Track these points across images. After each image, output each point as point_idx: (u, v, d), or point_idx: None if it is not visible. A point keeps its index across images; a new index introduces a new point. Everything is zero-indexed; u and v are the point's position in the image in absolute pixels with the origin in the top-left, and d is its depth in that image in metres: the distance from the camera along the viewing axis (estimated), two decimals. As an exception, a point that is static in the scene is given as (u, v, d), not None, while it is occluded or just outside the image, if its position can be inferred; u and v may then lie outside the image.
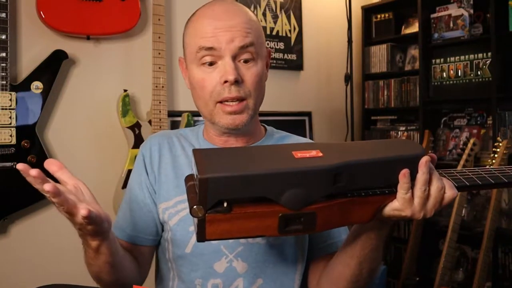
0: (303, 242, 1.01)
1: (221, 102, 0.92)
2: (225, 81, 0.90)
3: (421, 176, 0.69)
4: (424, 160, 0.69)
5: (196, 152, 0.67)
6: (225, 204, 0.64)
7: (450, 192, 0.72)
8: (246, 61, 0.93)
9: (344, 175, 0.66)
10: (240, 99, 0.92)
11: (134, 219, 1.01)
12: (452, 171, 0.77)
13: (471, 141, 2.43)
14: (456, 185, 0.74)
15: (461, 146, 2.68)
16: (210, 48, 0.91)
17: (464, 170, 0.78)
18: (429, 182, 0.70)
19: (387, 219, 0.75)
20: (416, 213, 0.71)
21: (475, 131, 2.79)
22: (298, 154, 0.67)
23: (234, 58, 0.91)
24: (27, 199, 2.01)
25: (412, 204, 0.70)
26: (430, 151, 2.76)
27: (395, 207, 0.71)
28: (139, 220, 1.01)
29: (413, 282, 2.66)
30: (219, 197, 0.63)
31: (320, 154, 0.67)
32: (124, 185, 2.16)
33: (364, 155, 0.68)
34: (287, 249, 0.99)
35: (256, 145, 1.03)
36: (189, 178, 0.69)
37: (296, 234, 0.68)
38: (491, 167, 0.80)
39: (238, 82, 0.91)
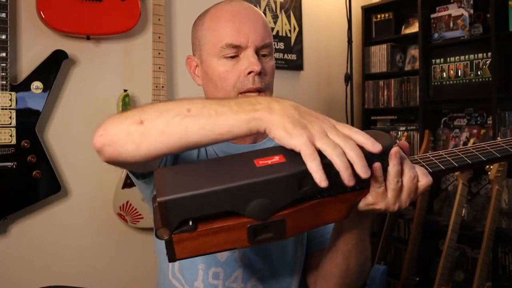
0: (302, 237, 1.03)
1: (242, 93, 0.97)
2: (249, 72, 0.95)
3: (392, 168, 0.66)
4: (394, 151, 0.66)
5: (156, 173, 0.65)
6: (190, 223, 0.62)
7: (424, 180, 0.69)
8: (264, 56, 0.99)
9: (309, 179, 0.62)
10: (260, 91, 0.97)
11: None
12: (428, 155, 0.74)
13: (471, 141, 2.43)
14: (431, 170, 0.71)
15: (461, 146, 2.68)
16: (237, 46, 0.96)
17: (440, 153, 0.74)
18: (401, 173, 0.68)
19: (362, 213, 0.73)
20: (390, 206, 0.69)
21: (475, 131, 2.79)
22: (260, 162, 0.64)
23: (256, 52, 0.97)
24: (27, 199, 2.00)
25: (386, 197, 0.68)
26: (429, 151, 2.75)
27: (368, 201, 0.69)
28: None
29: (413, 282, 2.66)
30: (182, 217, 0.61)
31: (283, 160, 0.64)
32: (124, 185, 2.16)
33: None
34: (287, 244, 1.00)
35: (260, 144, 1.06)
36: (154, 198, 0.66)
37: (269, 242, 0.66)
38: (469, 145, 0.76)
39: (261, 73, 0.96)
